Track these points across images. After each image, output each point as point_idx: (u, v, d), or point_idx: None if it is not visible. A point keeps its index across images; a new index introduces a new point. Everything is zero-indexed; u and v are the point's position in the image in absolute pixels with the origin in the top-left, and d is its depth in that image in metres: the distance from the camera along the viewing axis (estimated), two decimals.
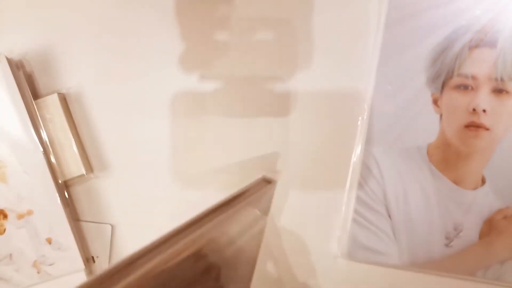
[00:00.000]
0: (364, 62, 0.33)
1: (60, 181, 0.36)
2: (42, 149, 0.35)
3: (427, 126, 0.32)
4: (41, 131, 0.35)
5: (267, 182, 0.32)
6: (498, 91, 0.31)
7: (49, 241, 0.36)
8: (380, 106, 0.33)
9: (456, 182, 0.32)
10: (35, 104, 0.35)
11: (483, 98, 0.31)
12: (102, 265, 0.37)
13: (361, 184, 0.33)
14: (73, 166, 0.36)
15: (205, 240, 0.25)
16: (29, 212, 0.35)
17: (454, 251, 0.32)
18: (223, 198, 0.28)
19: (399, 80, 0.32)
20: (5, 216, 0.35)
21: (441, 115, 0.32)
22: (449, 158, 0.32)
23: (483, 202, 0.32)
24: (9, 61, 0.34)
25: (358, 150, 0.33)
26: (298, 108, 0.34)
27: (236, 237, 0.28)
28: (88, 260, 0.37)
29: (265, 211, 0.32)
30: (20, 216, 0.35)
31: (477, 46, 0.31)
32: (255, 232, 0.31)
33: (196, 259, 0.24)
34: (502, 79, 0.31)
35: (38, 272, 0.36)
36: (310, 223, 0.35)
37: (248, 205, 0.29)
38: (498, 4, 0.30)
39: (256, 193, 0.30)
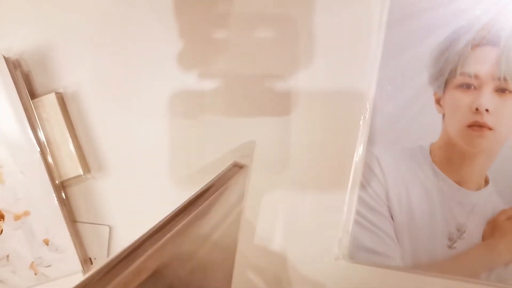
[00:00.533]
0: (366, 61, 0.33)
1: (57, 182, 0.35)
2: (39, 149, 0.34)
3: (430, 126, 0.32)
4: (38, 130, 0.35)
5: (239, 167, 0.31)
6: (501, 90, 0.31)
7: (46, 242, 0.35)
8: (382, 106, 0.32)
9: (459, 182, 0.32)
10: (32, 103, 0.35)
11: (486, 98, 0.31)
12: None
13: (363, 185, 0.33)
14: (70, 166, 0.35)
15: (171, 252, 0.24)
16: (26, 213, 0.35)
17: (457, 253, 0.32)
18: (196, 192, 0.28)
19: (401, 80, 0.32)
20: (1, 217, 0.35)
21: (443, 115, 0.32)
22: (452, 158, 0.32)
23: (487, 203, 0.32)
24: (7, 60, 0.34)
25: (360, 150, 0.33)
26: (299, 108, 0.34)
27: (211, 231, 0.28)
28: (86, 261, 0.37)
29: (240, 198, 0.32)
30: (17, 217, 0.35)
31: (480, 44, 0.31)
32: (231, 221, 0.31)
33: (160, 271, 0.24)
34: (505, 78, 0.30)
35: (35, 274, 0.36)
36: (312, 224, 0.35)
37: (222, 195, 0.28)
38: (498, 4, 0.30)
39: (229, 181, 0.29)
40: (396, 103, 0.32)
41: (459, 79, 0.31)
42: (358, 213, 0.33)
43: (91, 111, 0.36)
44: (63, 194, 0.36)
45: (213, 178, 0.29)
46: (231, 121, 0.35)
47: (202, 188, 0.28)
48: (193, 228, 0.25)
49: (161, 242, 0.23)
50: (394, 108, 0.32)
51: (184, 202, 0.27)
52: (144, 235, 0.23)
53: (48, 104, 0.35)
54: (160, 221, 0.24)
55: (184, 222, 0.24)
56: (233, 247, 0.32)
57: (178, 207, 0.26)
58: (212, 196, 0.27)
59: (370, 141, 0.33)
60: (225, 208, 0.30)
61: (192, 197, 0.27)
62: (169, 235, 0.23)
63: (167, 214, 0.25)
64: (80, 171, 0.35)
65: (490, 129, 0.31)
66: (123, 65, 0.35)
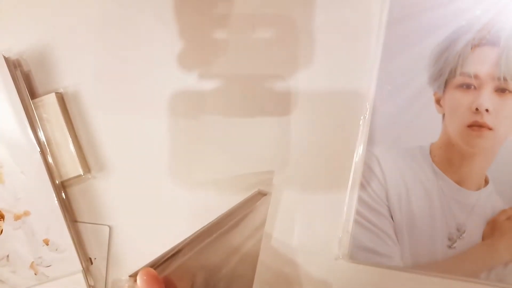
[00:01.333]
0: (366, 61, 0.33)
1: (57, 182, 0.35)
2: (39, 149, 0.34)
3: (430, 126, 0.32)
4: (38, 131, 0.35)
5: (262, 195, 0.32)
6: (501, 90, 0.31)
7: (46, 242, 0.35)
8: (382, 106, 0.32)
9: (459, 182, 0.32)
10: (33, 103, 0.35)
11: (486, 98, 0.31)
12: (100, 267, 0.37)
13: (363, 185, 0.33)
14: (71, 166, 0.35)
15: (199, 263, 0.25)
16: (26, 213, 0.35)
17: (457, 253, 0.32)
18: (219, 215, 0.28)
19: (401, 80, 0.32)
20: (1, 217, 0.35)
21: (443, 115, 0.32)
22: (452, 158, 0.32)
23: (486, 203, 0.32)
24: (7, 60, 0.34)
25: (360, 150, 0.33)
26: (299, 108, 0.34)
27: (232, 253, 0.29)
28: (86, 261, 0.37)
29: (262, 223, 0.32)
30: (17, 217, 0.35)
31: (479, 44, 0.31)
32: (251, 244, 0.32)
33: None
34: (505, 79, 0.31)
35: (35, 274, 0.36)
36: (311, 224, 0.35)
37: (244, 220, 0.29)
38: (498, 4, 0.30)
39: (252, 207, 0.30)
40: (396, 103, 0.32)
41: (459, 79, 0.31)
42: (358, 213, 0.33)
43: (92, 111, 0.36)
44: (63, 194, 0.36)
45: (236, 204, 0.30)
46: (232, 121, 0.35)
47: (223, 213, 0.29)
48: (210, 252, 0.26)
49: (179, 261, 0.23)
50: (394, 108, 0.32)
51: (204, 226, 0.27)
52: (165, 254, 0.24)
53: (48, 104, 0.35)
54: (178, 244, 0.25)
55: (202, 245, 0.25)
56: (251, 275, 0.32)
57: (195, 232, 0.26)
58: (233, 222, 0.28)
59: (370, 141, 0.33)
60: (245, 234, 0.31)
61: (212, 222, 0.28)
62: (187, 256, 0.24)
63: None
64: (80, 171, 0.35)
65: (490, 129, 0.31)
66: (123, 65, 0.35)
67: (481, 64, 0.31)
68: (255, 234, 0.32)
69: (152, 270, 0.24)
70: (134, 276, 0.24)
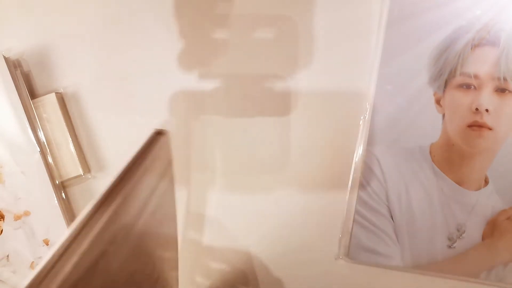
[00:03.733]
0: (366, 61, 0.33)
1: (57, 182, 0.35)
2: (39, 149, 0.34)
3: (430, 126, 0.32)
4: (38, 131, 0.35)
5: (160, 134, 0.29)
6: (501, 90, 0.31)
7: (46, 242, 0.35)
8: (382, 106, 0.32)
9: (459, 182, 0.32)
10: (32, 103, 0.35)
11: (486, 98, 0.31)
12: None
13: (363, 185, 0.33)
14: (71, 166, 0.35)
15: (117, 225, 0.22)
16: (26, 213, 0.35)
17: (457, 253, 0.32)
18: (119, 171, 0.25)
19: (401, 79, 0.32)
20: (1, 217, 0.35)
21: (443, 115, 0.32)
22: (452, 158, 0.32)
23: (486, 203, 0.32)
24: (7, 60, 0.34)
25: (359, 150, 0.33)
26: (299, 108, 0.34)
27: (144, 205, 0.26)
28: None
29: (167, 169, 0.29)
30: (17, 217, 0.35)
31: (479, 44, 0.31)
32: (162, 192, 0.28)
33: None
34: (505, 79, 0.31)
35: None
36: (312, 224, 0.35)
37: (148, 169, 0.26)
38: (498, 4, 0.30)
39: (152, 152, 0.27)
40: (396, 103, 0.32)
41: (459, 79, 0.31)
42: (358, 213, 0.33)
43: (91, 111, 0.36)
44: (63, 194, 0.36)
45: (136, 151, 0.27)
46: (232, 120, 0.35)
47: (126, 165, 0.25)
48: (128, 208, 0.23)
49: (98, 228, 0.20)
50: (394, 108, 0.32)
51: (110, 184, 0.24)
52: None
53: (48, 104, 0.35)
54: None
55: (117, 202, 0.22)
56: (172, 215, 0.29)
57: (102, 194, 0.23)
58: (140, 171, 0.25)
59: (370, 141, 0.33)
60: (154, 181, 0.28)
61: (119, 176, 0.24)
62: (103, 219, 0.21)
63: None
64: (80, 171, 0.35)
65: (490, 129, 0.31)
66: (123, 65, 0.35)
67: (481, 64, 0.31)
68: (161, 182, 0.29)
69: None
70: None
